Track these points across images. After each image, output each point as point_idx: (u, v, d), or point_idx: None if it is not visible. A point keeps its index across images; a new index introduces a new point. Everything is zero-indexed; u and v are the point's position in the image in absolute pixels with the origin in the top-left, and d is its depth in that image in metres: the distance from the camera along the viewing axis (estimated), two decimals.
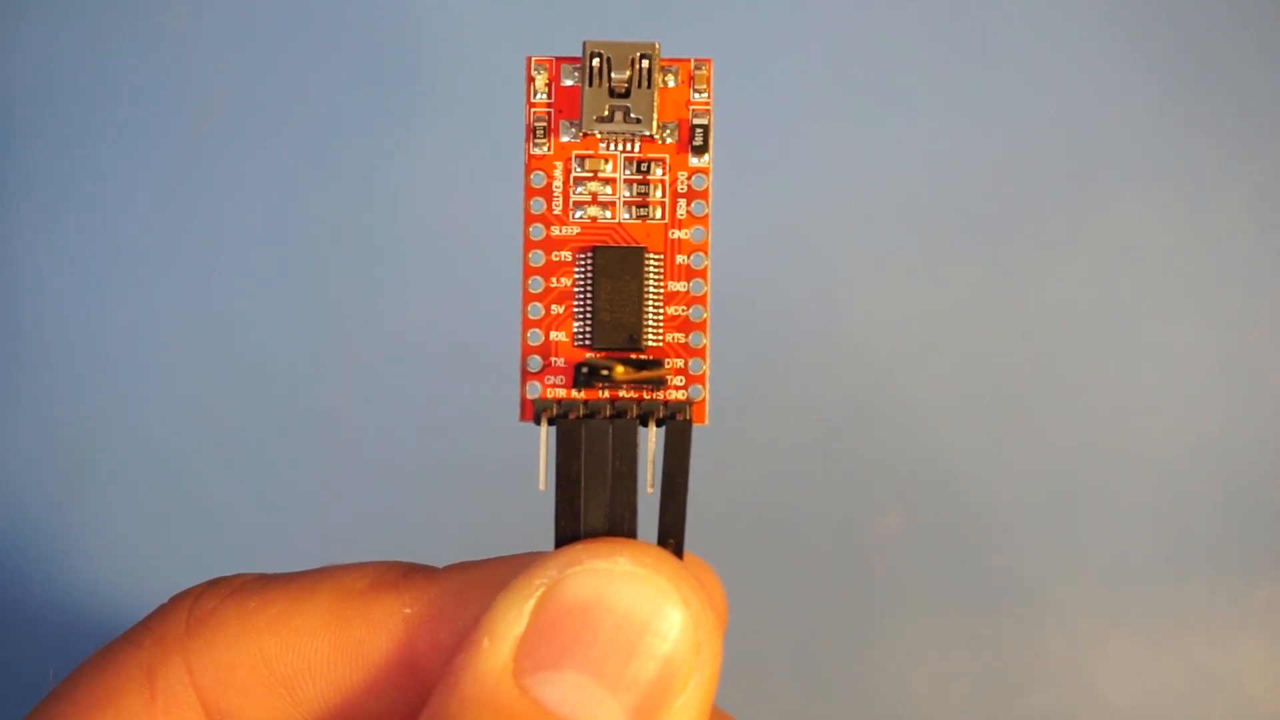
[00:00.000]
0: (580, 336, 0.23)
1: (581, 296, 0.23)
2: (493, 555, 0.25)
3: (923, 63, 0.45)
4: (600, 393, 0.23)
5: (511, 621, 0.21)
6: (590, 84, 0.22)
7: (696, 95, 0.23)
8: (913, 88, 0.45)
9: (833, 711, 0.44)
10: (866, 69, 0.45)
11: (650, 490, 0.23)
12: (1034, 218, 0.45)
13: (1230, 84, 0.45)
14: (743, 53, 0.45)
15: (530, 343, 0.23)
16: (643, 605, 0.21)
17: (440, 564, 0.25)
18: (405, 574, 0.24)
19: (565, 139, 0.23)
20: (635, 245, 0.23)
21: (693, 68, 0.23)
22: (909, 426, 0.44)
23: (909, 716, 0.44)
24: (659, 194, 0.23)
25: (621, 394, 0.23)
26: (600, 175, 0.23)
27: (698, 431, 0.23)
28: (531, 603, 0.21)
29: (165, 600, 0.25)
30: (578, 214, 0.23)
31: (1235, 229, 0.45)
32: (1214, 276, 0.45)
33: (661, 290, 0.23)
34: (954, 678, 0.44)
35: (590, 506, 0.23)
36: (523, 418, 0.23)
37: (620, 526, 0.23)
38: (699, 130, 0.23)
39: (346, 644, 0.24)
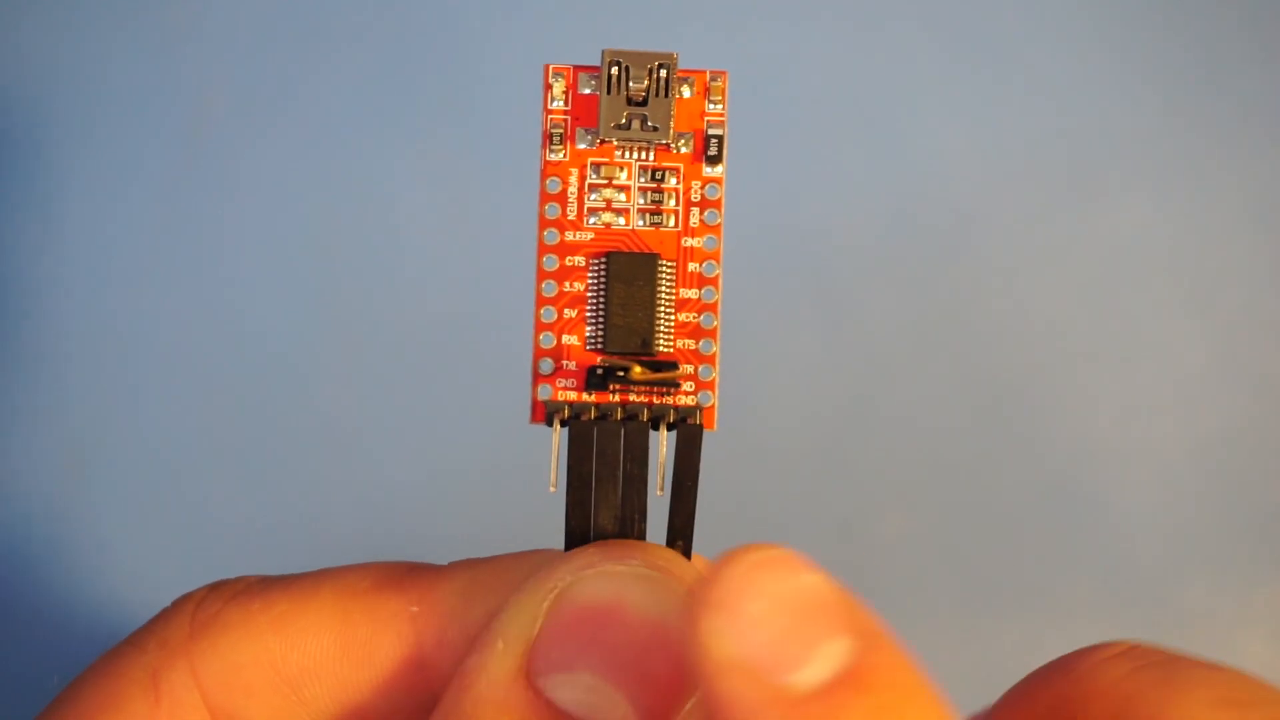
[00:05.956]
0: (592, 340, 0.23)
1: (594, 301, 0.23)
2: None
3: (926, 65, 0.45)
4: (611, 396, 0.23)
5: (526, 624, 0.21)
6: (608, 91, 0.23)
7: (712, 106, 0.23)
8: (915, 89, 0.45)
9: None
10: (867, 71, 0.45)
11: (660, 493, 0.23)
12: (1034, 218, 0.45)
13: (1230, 84, 0.45)
14: (749, 58, 0.45)
15: (542, 346, 0.23)
16: (658, 608, 0.21)
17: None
18: (409, 572, 0.24)
19: (581, 146, 0.23)
20: (649, 252, 0.23)
21: (708, 79, 0.23)
22: (909, 426, 0.44)
23: None
24: (672, 202, 0.23)
25: (632, 398, 0.23)
26: (615, 182, 0.23)
27: (705, 435, 0.23)
28: (546, 605, 0.22)
29: (168, 604, 0.25)
30: (592, 220, 0.23)
31: (1235, 229, 0.45)
32: (1214, 276, 0.45)
33: (673, 297, 0.23)
34: (954, 678, 0.44)
35: (601, 507, 0.23)
36: (533, 419, 0.23)
37: (630, 528, 0.23)
38: (714, 140, 0.23)
39: (352, 643, 0.24)
